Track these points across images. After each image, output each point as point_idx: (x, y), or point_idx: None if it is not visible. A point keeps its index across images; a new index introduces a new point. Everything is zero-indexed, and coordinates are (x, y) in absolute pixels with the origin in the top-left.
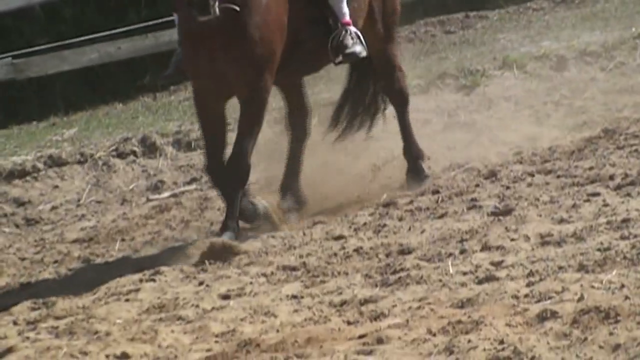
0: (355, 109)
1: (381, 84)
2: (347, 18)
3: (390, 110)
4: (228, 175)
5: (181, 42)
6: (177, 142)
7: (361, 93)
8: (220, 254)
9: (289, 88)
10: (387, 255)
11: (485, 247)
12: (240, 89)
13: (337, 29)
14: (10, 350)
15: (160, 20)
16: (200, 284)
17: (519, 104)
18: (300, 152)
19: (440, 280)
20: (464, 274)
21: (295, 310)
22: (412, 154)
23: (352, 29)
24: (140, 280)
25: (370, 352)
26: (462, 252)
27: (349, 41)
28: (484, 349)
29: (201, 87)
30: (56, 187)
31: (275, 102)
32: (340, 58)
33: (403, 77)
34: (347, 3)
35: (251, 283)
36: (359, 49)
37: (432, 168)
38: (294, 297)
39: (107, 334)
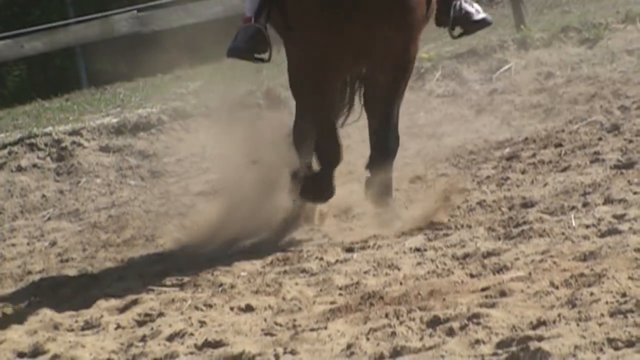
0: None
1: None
2: None
3: None
4: (384, 146)
5: (302, 12)
6: None
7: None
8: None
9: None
10: (510, 209)
11: (608, 201)
12: (394, 55)
13: None
14: (135, 302)
15: None
16: (324, 236)
17: None
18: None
19: (563, 234)
20: (587, 227)
21: (419, 263)
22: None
23: None
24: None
25: (493, 305)
26: (585, 205)
27: (471, 8)
28: (607, 302)
29: (323, 59)
30: (181, 139)
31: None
32: (465, 28)
33: None
34: None
35: (375, 236)
36: (485, 14)
37: (555, 121)
38: (417, 250)
39: (232, 286)
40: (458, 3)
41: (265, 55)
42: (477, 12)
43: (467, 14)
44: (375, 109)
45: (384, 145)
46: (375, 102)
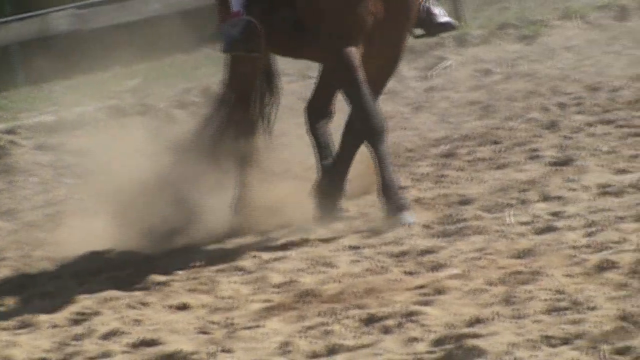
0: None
1: None
2: None
3: None
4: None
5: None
6: None
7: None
8: None
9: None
10: (447, 206)
11: (545, 198)
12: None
13: None
14: (70, 301)
15: None
16: (260, 234)
17: (580, 54)
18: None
19: (500, 231)
20: (523, 224)
21: (355, 261)
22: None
23: None
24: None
25: (428, 303)
26: (522, 202)
27: (436, 10)
28: (543, 300)
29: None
30: (117, 137)
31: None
32: (428, 30)
33: None
34: None
35: (312, 234)
36: (449, 18)
37: (493, 118)
38: (353, 247)
39: (167, 284)
40: (425, 4)
41: (259, 47)
42: (442, 14)
43: (432, 16)
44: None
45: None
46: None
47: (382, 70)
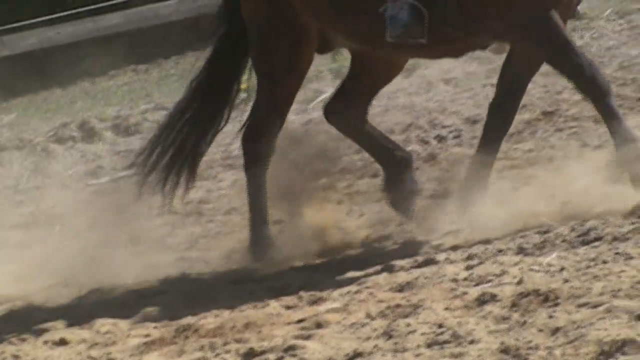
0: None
1: None
2: None
3: None
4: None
5: None
6: (115, 127)
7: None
8: None
9: None
10: (326, 240)
11: (424, 231)
12: None
13: None
14: None
15: (99, 5)
16: (141, 268)
17: (458, 87)
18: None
19: (379, 264)
20: (403, 257)
21: (234, 295)
22: None
23: None
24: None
25: (308, 337)
26: (401, 235)
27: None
28: (423, 333)
29: None
30: None
31: None
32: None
33: None
34: None
35: (191, 268)
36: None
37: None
38: (233, 282)
39: (45, 320)
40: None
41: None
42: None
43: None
44: None
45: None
46: None
47: None
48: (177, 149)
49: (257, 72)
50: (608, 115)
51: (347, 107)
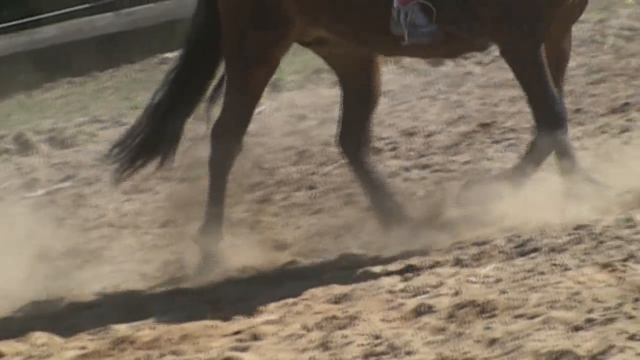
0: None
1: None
2: None
3: None
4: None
5: None
6: (51, 139)
7: None
8: None
9: None
10: (263, 252)
11: (361, 243)
12: None
13: None
14: None
15: (34, 18)
16: (77, 282)
17: (395, 99)
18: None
19: (316, 276)
20: (340, 269)
21: (170, 307)
22: None
23: None
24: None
25: (245, 349)
26: (338, 248)
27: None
28: (360, 344)
29: None
30: None
31: None
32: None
33: None
34: None
35: (127, 280)
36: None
37: (308, 164)
38: (168, 294)
39: None
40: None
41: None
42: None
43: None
44: None
45: None
46: None
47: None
48: (148, 139)
49: (229, 63)
50: (560, 148)
51: (356, 135)
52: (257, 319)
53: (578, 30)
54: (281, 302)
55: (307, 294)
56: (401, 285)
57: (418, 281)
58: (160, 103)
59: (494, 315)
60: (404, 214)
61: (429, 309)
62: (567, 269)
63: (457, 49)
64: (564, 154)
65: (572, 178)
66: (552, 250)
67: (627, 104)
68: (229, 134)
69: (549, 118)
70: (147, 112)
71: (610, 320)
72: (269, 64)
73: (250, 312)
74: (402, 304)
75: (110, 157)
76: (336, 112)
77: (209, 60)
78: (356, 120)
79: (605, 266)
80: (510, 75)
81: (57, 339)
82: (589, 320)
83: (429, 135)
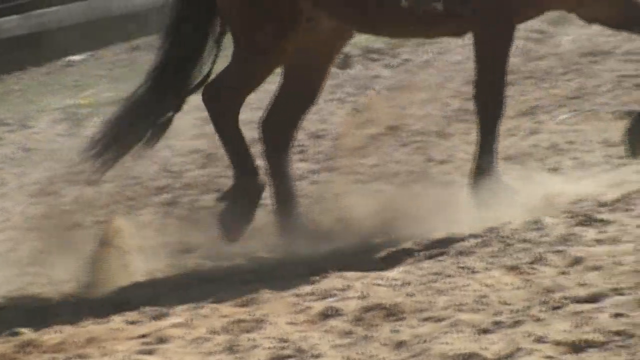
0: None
1: None
2: None
3: None
4: None
5: None
6: None
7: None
8: None
9: None
10: (170, 255)
11: (267, 246)
12: None
13: None
14: None
15: None
16: None
17: None
18: None
19: (223, 280)
20: (247, 272)
21: (76, 310)
22: None
23: None
24: None
25: (151, 352)
26: (244, 250)
27: None
28: (266, 348)
29: None
30: None
31: None
32: None
33: None
34: None
35: (31, 284)
36: None
37: (215, 167)
38: (75, 296)
39: None
40: None
41: None
42: None
43: None
44: None
45: None
46: None
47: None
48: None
49: (238, 45)
50: (486, 132)
51: (282, 128)
52: (164, 322)
53: None
54: (188, 305)
55: (214, 297)
56: (308, 289)
57: (325, 284)
58: (143, 95)
59: (401, 318)
60: (310, 217)
61: (336, 312)
62: (474, 271)
63: (461, 26)
64: (485, 151)
65: (482, 179)
66: (460, 253)
67: (535, 106)
68: (221, 100)
69: (490, 105)
70: (129, 105)
71: (518, 322)
72: (281, 53)
73: (156, 315)
74: (309, 307)
75: (90, 150)
76: (245, 115)
77: (192, 49)
78: (288, 115)
79: (512, 269)
80: (418, 78)
81: None
82: (496, 323)
83: (337, 138)
